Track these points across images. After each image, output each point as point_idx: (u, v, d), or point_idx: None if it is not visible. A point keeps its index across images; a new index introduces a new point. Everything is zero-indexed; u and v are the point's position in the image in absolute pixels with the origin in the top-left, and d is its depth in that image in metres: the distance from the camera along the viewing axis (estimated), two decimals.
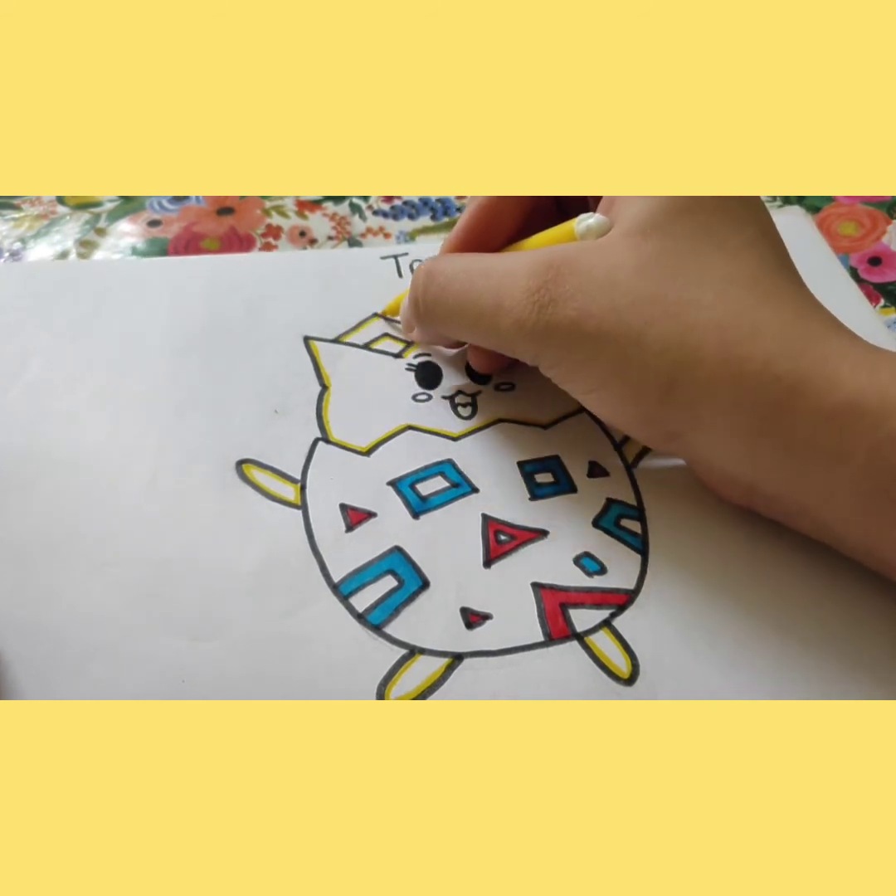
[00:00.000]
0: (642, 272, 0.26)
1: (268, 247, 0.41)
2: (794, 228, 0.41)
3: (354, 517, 0.30)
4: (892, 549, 0.25)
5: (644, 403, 0.27)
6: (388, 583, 0.28)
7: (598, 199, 0.30)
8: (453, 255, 0.32)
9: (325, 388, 0.34)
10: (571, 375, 0.28)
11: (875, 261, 0.40)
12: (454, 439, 0.33)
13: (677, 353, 0.25)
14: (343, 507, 0.30)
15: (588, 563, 0.29)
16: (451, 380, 0.35)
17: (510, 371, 0.34)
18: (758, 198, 0.28)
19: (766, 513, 0.28)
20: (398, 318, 0.36)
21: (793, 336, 0.25)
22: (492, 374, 0.35)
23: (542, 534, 0.30)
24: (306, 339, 0.36)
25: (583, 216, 0.28)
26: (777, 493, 0.27)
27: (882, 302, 0.39)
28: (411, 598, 0.28)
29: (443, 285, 0.31)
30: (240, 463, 0.31)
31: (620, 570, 0.29)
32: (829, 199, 0.43)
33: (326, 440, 0.32)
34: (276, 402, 0.33)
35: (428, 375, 0.34)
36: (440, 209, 0.43)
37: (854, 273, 0.40)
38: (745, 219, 0.27)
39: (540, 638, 0.27)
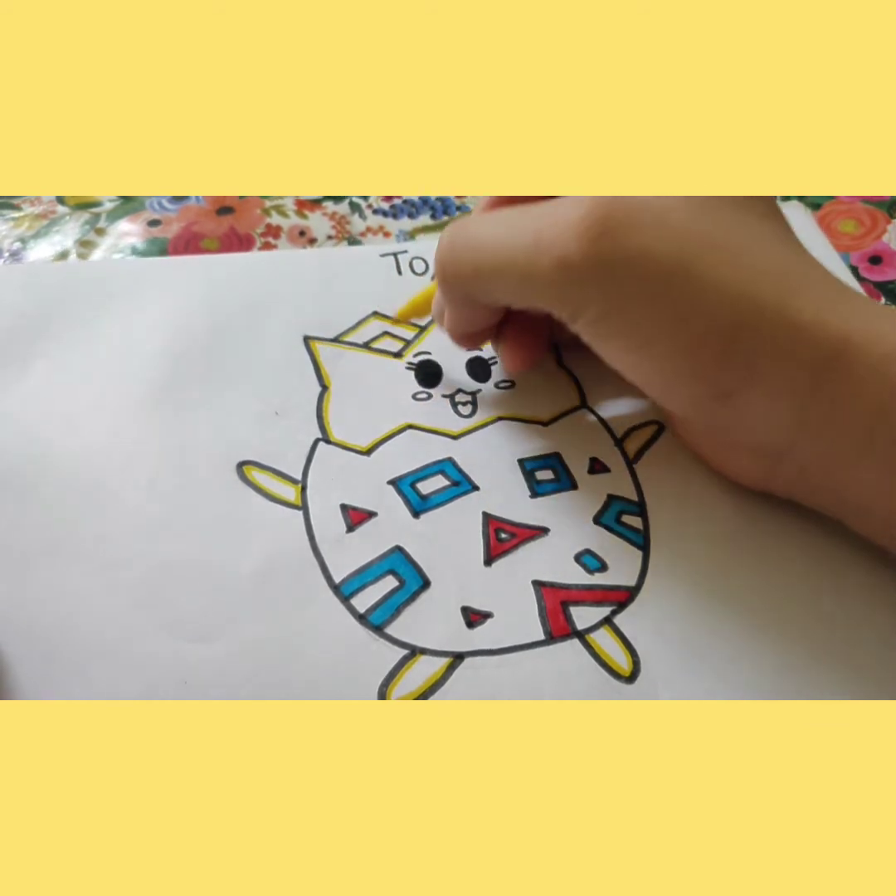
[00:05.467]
0: (698, 217, 0.25)
1: (267, 246, 0.41)
2: (793, 223, 0.41)
3: (355, 517, 0.30)
4: None
5: (702, 357, 0.25)
6: (389, 583, 0.28)
7: None
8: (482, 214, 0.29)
9: (325, 388, 0.34)
10: (619, 328, 0.26)
11: (875, 259, 0.40)
12: (454, 438, 0.33)
13: (739, 300, 0.24)
14: (343, 507, 0.30)
15: (589, 560, 0.29)
16: (451, 378, 0.35)
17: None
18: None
19: (784, 489, 0.28)
20: (425, 319, 0.35)
21: (836, 290, 0.25)
22: (527, 370, 0.33)
23: (542, 531, 0.30)
24: (306, 339, 0.36)
25: None
26: (810, 460, 0.26)
27: (883, 300, 0.39)
28: (412, 597, 0.28)
29: (473, 235, 0.28)
30: (240, 464, 0.31)
31: (621, 566, 0.29)
32: (830, 196, 0.43)
33: (327, 440, 0.32)
34: (276, 402, 0.33)
35: (428, 374, 0.34)
36: (440, 208, 0.43)
37: (855, 271, 0.40)
38: (760, 198, 0.27)
39: (541, 636, 0.27)
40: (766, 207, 0.27)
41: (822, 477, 0.26)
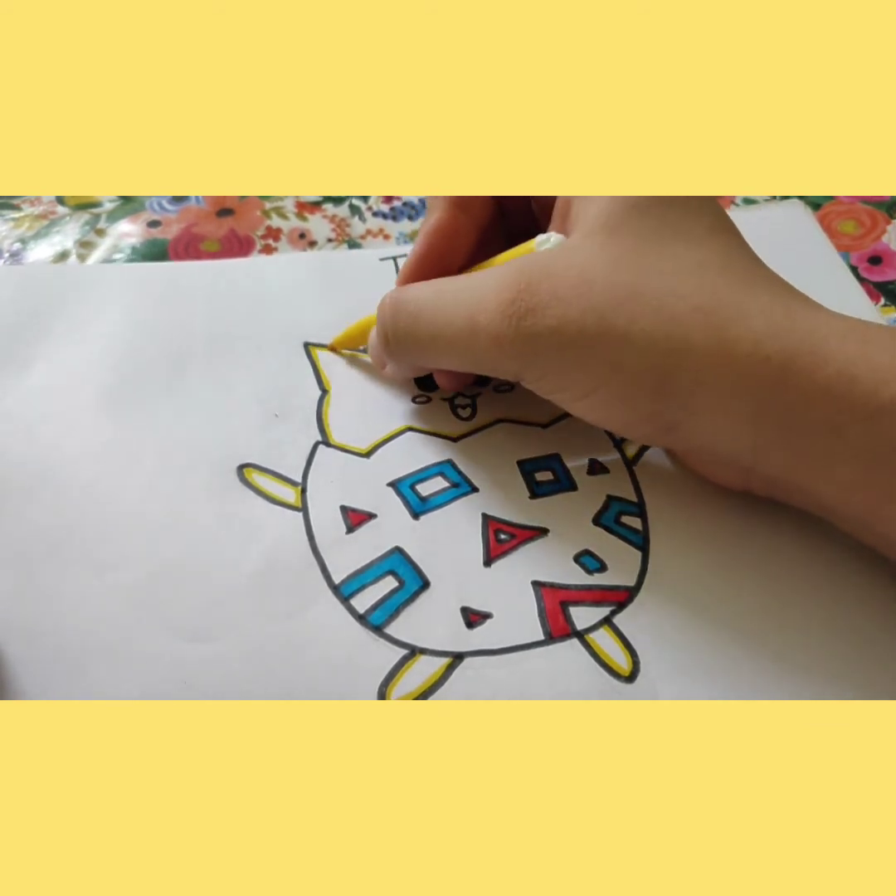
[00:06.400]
0: (616, 269, 0.26)
1: (267, 248, 0.41)
2: (793, 221, 0.41)
3: (355, 518, 0.30)
4: (889, 523, 0.25)
5: (639, 400, 0.26)
6: (389, 583, 0.28)
7: (546, 212, 0.30)
8: (418, 284, 0.31)
9: (325, 391, 0.34)
10: (559, 385, 0.28)
11: (875, 260, 0.40)
12: (454, 440, 0.33)
13: (665, 345, 0.25)
14: (343, 509, 0.30)
15: (588, 560, 0.29)
16: None
17: None
18: (711, 196, 0.28)
19: (763, 492, 0.28)
20: (361, 347, 0.35)
21: (777, 314, 0.25)
22: (460, 391, 0.34)
23: (542, 532, 0.30)
24: (306, 345, 0.36)
25: (542, 237, 0.28)
26: (776, 473, 0.26)
27: (882, 300, 0.39)
28: (412, 598, 0.28)
29: (413, 313, 0.30)
30: (241, 467, 0.31)
31: (621, 567, 0.29)
32: (830, 196, 0.43)
33: (327, 443, 0.32)
34: (276, 405, 0.33)
35: (427, 377, 0.34)
36: None
37: (854, 271, 0.40)
38: (703, 210, 0.28)
39: (540, 636, 0.27)
40: (709, 227, 0.27)
41: (793, 484, 0.27)
